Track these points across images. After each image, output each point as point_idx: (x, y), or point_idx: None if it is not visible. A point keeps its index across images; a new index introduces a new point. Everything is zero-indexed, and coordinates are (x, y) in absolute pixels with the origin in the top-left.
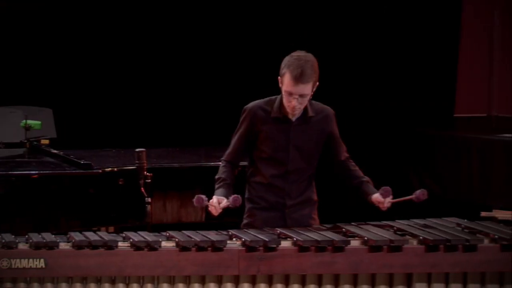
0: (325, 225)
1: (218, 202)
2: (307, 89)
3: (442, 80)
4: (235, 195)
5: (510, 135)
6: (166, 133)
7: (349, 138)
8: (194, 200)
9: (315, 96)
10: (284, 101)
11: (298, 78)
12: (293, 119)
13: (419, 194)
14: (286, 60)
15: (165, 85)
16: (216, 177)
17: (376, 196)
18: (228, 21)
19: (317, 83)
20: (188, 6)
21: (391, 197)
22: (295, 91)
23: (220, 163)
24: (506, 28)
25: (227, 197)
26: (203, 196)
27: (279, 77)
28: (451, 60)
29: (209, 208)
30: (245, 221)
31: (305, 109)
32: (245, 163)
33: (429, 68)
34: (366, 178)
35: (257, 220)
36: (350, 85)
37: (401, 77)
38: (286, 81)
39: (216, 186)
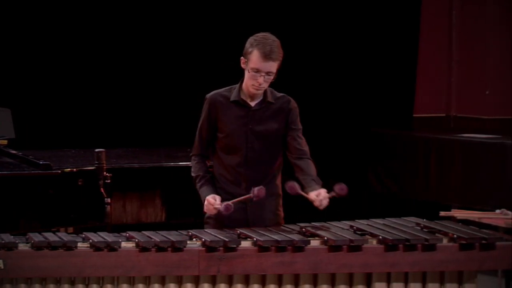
0: (285, 225)
1: (214, 199)
2: (274, 67)
3: (401, 80)
4: (227, 203)
5: (469, 135)
6: (125, 134)
7: (307, 138)
8: (222, 209)
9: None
10: (249, 80)
11: (268, 55)
12: (252, 103)
13: (338, 189)
14: (252, 39)
15: (124, 85)
16: (194, 175)
17: (313, 196)
18: (184, 22)
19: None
20: (146, 7)
21: (325, 196)
22: (263, 68)
23: (191, 160)
24: (465, 28)
25: (215, 192)
26: (230, 203)
27: (242, 58)
28: (410, 60)
29: (209, 208)
30: (207, 214)
31: (265, 94)
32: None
33: (388, 68)
34: (314, 178)
35: (218, 214)
36: (307, 84)
37: (360, 77)
38: (254, 59)
39: (198, 185)
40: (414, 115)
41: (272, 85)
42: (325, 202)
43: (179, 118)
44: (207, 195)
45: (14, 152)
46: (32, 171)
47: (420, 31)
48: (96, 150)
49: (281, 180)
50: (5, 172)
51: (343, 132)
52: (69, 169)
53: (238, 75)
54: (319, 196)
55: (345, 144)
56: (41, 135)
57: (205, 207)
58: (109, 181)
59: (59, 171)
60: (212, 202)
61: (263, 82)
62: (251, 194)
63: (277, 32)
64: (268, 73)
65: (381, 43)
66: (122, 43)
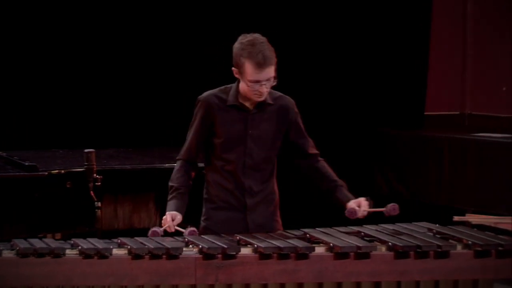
0: (288, 230)
1: (171, 219)
2: (272, 71)
3: (412, 75)
4: (192, 229)
5: (484, 134)
6: (117, 133)
7: (312, 138)
8: (149, 234)
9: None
10: (249, 91)
11: (263, 64)
12: (251, 107)
13: (390, 209)
14: (239, 48)
15: (116, 81)
16: (169, 184)
17: (351, 204)
18: (174, 17)
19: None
20: (133, 5)
21: (365, 206)
22: (262, 78)
23: (175, 164)
24: (480, 21)
25: (180, 210)
26: (158, 229)
27: (233, 68)
28: (422, 54)
29: (165, 227)
30: (202, 224)
31: None
32: (202, 165)
33: (397, 63)
34: (340, 182)
35: (215, 222)
36: (313, 82)
37: (368, 73)
38: (249, 71)
39: (169, 196)
40: (426, 113)
41: (280, 82)
42: (365, 213)
43: (174, 116)
44: (171, 210)
45: None
46: (17, 173)
47: (432, 23)
48: (86, 150)
49: (277, 184)
50: None
51: (349, 132)
52: (56, 171)
53: (231, 74)
54: (361, 207)
55: (352, 145)
56: (26, 135)
57: (163, 220)
58: (99, 183)
59: (46, 173)
60: (168, 220)
61: (266, 89)
62: (185, 230)
63: (283, 29)
64: (268, 80)
65: (391, 37)
66: (110, 38)
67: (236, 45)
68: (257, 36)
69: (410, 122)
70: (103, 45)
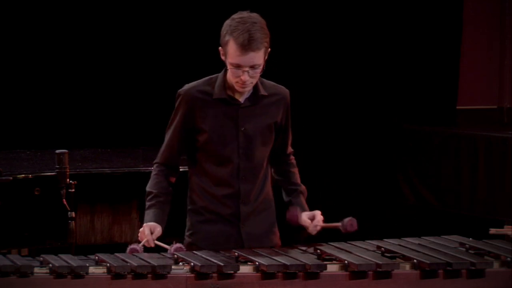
0: (295, 245)
1: (150, 231)
2: (259, 57)
3: (442, 64)
4: (179, 244)
5: None
6: (94, 131)
7: (326, 137)
8: (128, 252)
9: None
10: (231, 76)
11: (247, 45)
12: (241, 99)
13: (347, 224)
14: (227, 24)
15: (90, 74)
16: (147, 189)
17: (305, 219)
18: (156, 10)
19: (269, 49)
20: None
21: (319, 220)
22: (244, 62)
23: (152, 169)
24: None
25: (160, 221)
26: (137, 246)
27: (220, 48)
28: (453, 40)
29: (143, 242)
30: (187, 239)
31: (255, 86)
32: (185, 168)
33: (426, 50)
34: (301, 188)
35: (203, 238)
36: (331, 73)
37: (392, 61)
38: (231, 51)
39: (147, 204)
40: (458, 107)
41: (300, 75)
42: (318, 228)
43: (159, 112)
44: (150, 221)
45: None
46: None
47: (465, 9)
48: (57, 151)
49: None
50: None
51: (369, 130)
52: (23, 175)
53: (217, 66)
54: (313, 221)
55: (372, 145)
56: None
57: (139, 234)
58: (73, 190)
59: (10, 178)
60: (146, 233)
61: (249, 78)
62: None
63: (304, 16)
64: (252, 67)
65: (418, 20)
66: (85, 31)
67: (227, 21)
68: (253, 15)
69: (440, 117)
70: (77, 40)
